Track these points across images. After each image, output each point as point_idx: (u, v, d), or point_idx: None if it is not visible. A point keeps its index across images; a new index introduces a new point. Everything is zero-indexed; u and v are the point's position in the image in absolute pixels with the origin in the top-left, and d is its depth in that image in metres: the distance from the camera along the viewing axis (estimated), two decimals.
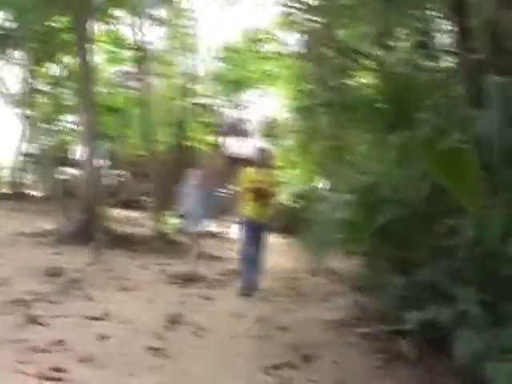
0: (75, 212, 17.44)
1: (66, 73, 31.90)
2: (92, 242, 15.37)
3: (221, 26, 57.99)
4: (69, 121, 36.23)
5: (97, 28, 24.77)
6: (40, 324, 7.14)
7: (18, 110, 29.01)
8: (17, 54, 26.28)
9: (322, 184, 27.80)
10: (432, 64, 10.27)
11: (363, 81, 19.30)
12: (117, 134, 31.36)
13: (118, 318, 7.97)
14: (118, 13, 22.59)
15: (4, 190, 38.22)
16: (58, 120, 32.72)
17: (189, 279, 11.85)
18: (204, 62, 33.14)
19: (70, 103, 32.52)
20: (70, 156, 42.12)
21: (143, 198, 43.21)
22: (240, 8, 53.29)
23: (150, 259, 14.56)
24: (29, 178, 43.90)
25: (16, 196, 33.58)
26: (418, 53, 10.68)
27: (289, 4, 22.79)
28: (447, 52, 12.80)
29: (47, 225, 18.69)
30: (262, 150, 11.85)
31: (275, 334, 8.14)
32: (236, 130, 38.93)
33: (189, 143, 30.27)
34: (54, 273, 10.55)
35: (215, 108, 34.87)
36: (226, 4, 30.38)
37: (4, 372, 5.28)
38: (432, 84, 8.56)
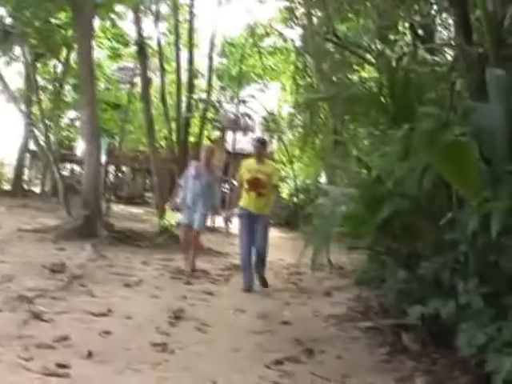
0: (78, 208, 17.47)
1: (67, 69, 31.95)
2: (95, 237, 15.41)
3: (222, 21, 58.03)
4: (70, 117, 36.27)
5: (98, 24, 24.81)
6: (43, 320, 7.14)
7: (20, 107, 29.04)
8: (18, 50, 26.31)
9: (324, 178, 27.81)
10: (433, 57, 10.25)
11: (365, 74, 19.30)
12: (118, 129, 31.28)
13: (122, 314, 7.97)
14: (119, 8, 22.55)
15: (7, 187, 38.28)
16: (60, 116, 32.69)
17: (190, 274, 11.79)
18: (205, 56, 33.08)
19: (71, 99, 32.57)
20: (72, 152, 42.20)
21: (145, 193, 43.37)
22: (241, 2, 53.26)
23: (153, 255, 14.57)
24: (31, 174, 44.01)
25: (18, 192, 33.60)
26: (419, 46, 10.66)
27: None
28: (448, 45, 12.80)
29: (50, 221, 18.75)
30: (259, 140, 11.79)
31: (278, 329, 8.14)
32: (238, 125, 38.91)
33: (190, 139, 30.26)
34: (57, 269, 10.55)
35: (217, 103, 34.83)
36: None
37: (8, 368, 5.28)
38: (433, 77, 8.55)
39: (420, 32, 14.00)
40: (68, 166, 46.77)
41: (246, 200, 11.20)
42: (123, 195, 40.81)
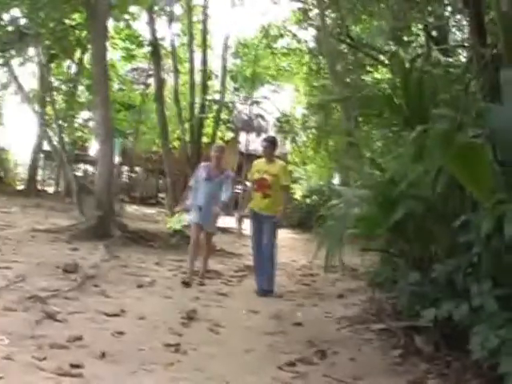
0: (91, 208, 17.51)
1: (80, 70, 32.05)
2: (108, 238, 15.45)
3: (236, 22, 58.04)
4: (84, 117, 36.38)
5: (112, 25, 24.87)
6: (57, 320, 7.17)
7: (34, 108, 29.14)
8: (32, 51, 26.39)
9: (337, 179, 27.80)
10: (447, 58, 10.23)
11: (378, 76, 19.29)
12: (132, 130, 31.40)
13: (134, 314, 8.00)
14: (132, 9, 22.60)
15: (20, 187, 38.42)
16: (73, 117, 32.79)
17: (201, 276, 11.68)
18: (219, 57, 33.12)
19: (85, 100, 32.67)
20: (85, 153, 42.31)
21: (159, 194, 43.44)
22: (255, 4, 53.26)
23: (166, 255, 14.59)
24: (45, 174, 44.16)
25: (32, 192, 33.72)
26: (433, 47, 10.65)
27: (304, 0, 22.80)
28: (462, 46, 12.78)
29: (63, 221, 18.81)
30: (267, 140, 11.75)
31: (291, 330, 8.14)
32: (251, 126, 38.93)
33: (204, 139, 30.29)
34: (70, 269, 10.57)
35: (230, 104, 34.87)
36: (241, 0, 30.53)
37: (22, 368, 5.30)
38: (447, 79, 8.53)
39: (434, 33, 14.01)
40: (81, 166, 46.90)
41: (253, 200, 11.20)
42: (136, 196, 40.90)
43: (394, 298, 8.32)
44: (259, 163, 11.37)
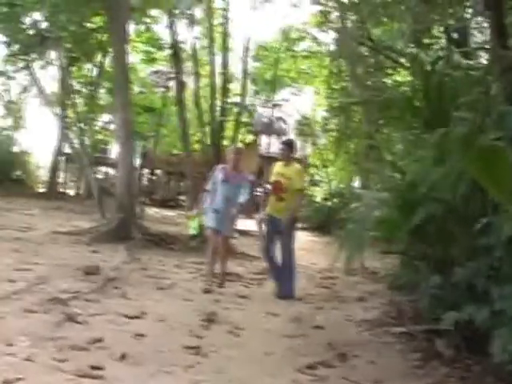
0: (112, 211, 17.57)
1: (101, 73, 32.19)
2: (129, 240, 15.49)
3: (256, 25, 58.07)
4: (105, 120, 36.53)
5: (132, 28, 24.95)
6: (77, 322, 7.19)
7: (55, 110, 29.29)
8: (53, 54, 26.55)
9: (357, 182, 27.75)
10: (468, 61, 10.19)
11: (399, 79, 19.23)
12: (152, 133, 31.46)
13: (155, 317, 8.02)
14: (153, 12, 22.67)
15: (42, 189, 38.62)
16: (94, 120, 32.93)
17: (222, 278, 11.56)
18: (239, 60, 33.15)
19: (106, 103, 32.80)
20: (106, 155, 42.47)
21: (179, 196, 43.52)
22: (275, 7, 53.30)
23: (186, 258, 14.61)
24: (66, 177, 44.36)
25: (53, 195, 33.89)
26: (454, 50, 10.61)
27: (324, 2, 22.77)
28: (483, 49, 12.72)
29: (84, 223, 18.89)
30: (284, 143, 11.71)
31: (311, 333, 8.13)
32: (272, 128, 38.94)
33: (224, 142, 30.31)
34: (91, 271, 10.61)
35: (251, 107, 34.89)
36: (261, 3, 30.55)
37: (42, 369, 5.33)
38: (468, 81, 8.50)
39: (455, 36, 13.95)
40: (102, 169, 47.07)
41: (269, 204, 11.17)
42: (157, 198, 40.99)
43: (415, 301, 8.30)
44: (277, 166, 11.33)
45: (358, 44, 18.94)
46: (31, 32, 20.65)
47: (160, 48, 30.26)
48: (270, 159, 35.43)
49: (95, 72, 33.87)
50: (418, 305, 8.09)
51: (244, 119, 34.02)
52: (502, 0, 8.21)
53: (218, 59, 30.13)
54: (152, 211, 29.76)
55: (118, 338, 6.68)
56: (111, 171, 45.69)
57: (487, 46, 11.57)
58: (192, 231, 11.67)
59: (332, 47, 27.93)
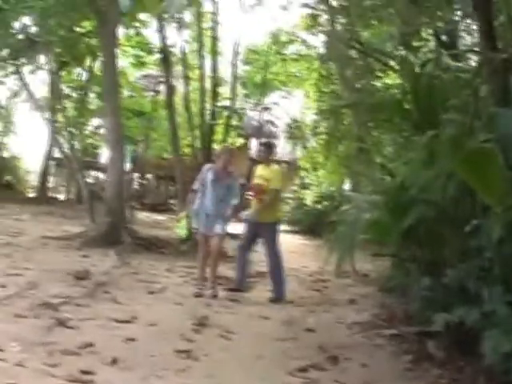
0: (102, 215, 17.53)
1: (91, 77, 32.14)
2: (119, 245, 15.46)
3: (246, 28, 58.14)
4: (95, 125, 36.47)
5: (122, 32, 24.92)
6: (68, 327, 7.19)
7: (45, 115, 29.21)
8: (42, 58, 26.48)
9: (348, 185, 27.79)
10: (457, 63, 10.22)
11: (388, 81, 19.27)
12: (142, 137, 31.46)
13: (146, 321, 8.01)
14: (142, 16, 22.66)
15: (32, 194, 38.52)
16: (84, 124, 32.87)
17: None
18: (229, 64, 33.16)
19: (96, 107, 32.76)
20: (96, 160, 42.39)
21: (170, 201, 43.45)
22: (265, 10, 53.36)
23: (177, 262, 14.59)
24: (56, 181, 44.25)
25: (43, 200, 33.78)
26: (443, 52, 10.64)
27: (313, 5, 22.80)
28: (472, 51, 12.74)
29: (74, 228, 18.83)
30: (262, 144, 11.65)
31: (302, 336, 8.14)
32: (262, 132, 38.94)
33: (215, 146, 30.28)
34: (81, 276, 10.60)
35: (240, 110, 34.89)
36: (250, 6, 30.56)
37: (33, 374, 5.31)
38: (457, 84, 8.53)
39: (444, 38, 13.97)
40: (92, 173, 46.93)
41: (251, 206, 11.12)
42: (147, 202, 40.89)
43: (406, 303, 8.32)
44: (258, 168, 11.29)
45: (348, 47, 18.96)
46: (20, 36, 20.61)
47: (150, 52, 30.23)
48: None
49: (85, 76, 33.79)
50: (409, 307, 8.11)
51: (234, 123, 34.01)
52: (491, 2, 8.23)
53: (208, 63, 30.12)
54: (142, 215, 29.71)
55: (108, 343, 6.67)
56: (101, 175, 45.63)
57: (476, 49, 11.60)
58: (180, 233, 11.30)
59: (321, 50, 27.94)
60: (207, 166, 11.31)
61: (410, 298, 7.96)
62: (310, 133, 35.29)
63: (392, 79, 19.22)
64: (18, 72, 27.21)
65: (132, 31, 27.59)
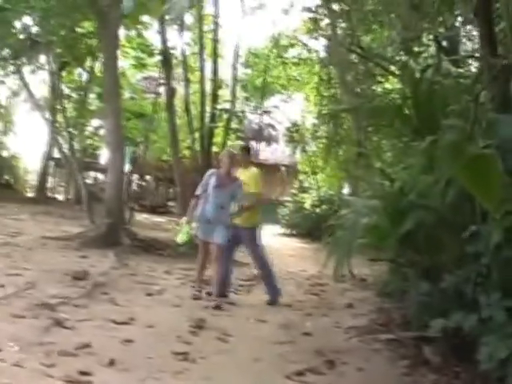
0: (101, 216, 17.53)
1: (91, 78, 32.15)
2: (118, 246, 15.46)
3: (246, 32, 58.16)
4: (94, 125, 36.46)
5: (123, 33, 24.92)
6: (66, 327, 7.19)
7: (45, 115, 29.22)
8: (43, 58, 26.52)
9: (347, 189, 27.79)
10: (458, 69, 10.23)
11: (388, 86, 19.28)
12: (142, 139, 31.42)
13: (143, 322, 8.01)
14: (144, 18, 22.67)
15: (31, 194, 38.51)
16: (84, 125, 32.87)
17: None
18: (229, 67, 33.15)
19: (96, 108, 32.76)
20: (95, 160, 42.39)
21: (169, 203, 43.44)
22: (266, 13, 53.36)
23: (176, 264, 14.58)
24: (55, 182, 44.23)
25: (42, 200, 33.76)
26: (444, 58, 10.64)
27: (314, 9, 22.83)
28: (473, 57, 12.76)
29: (73, 229, 18.83)
30: (242, 148, 11.57)
31: (300, 340, 8.14)
32: (261, 135, 38.96)
33: (214, 148, 30.29)
34: (79, 276, 10.59)
35: (240, 113, 34.89)
36: (252, 9, 30.59)
37: (31, 375, 5.32)
38: (458, 89, 8.53)
39: (444, 44, 13.98)
40: (92, 174, 46.95)
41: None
42: (146, 204, 40.87)
43: (403, 308, 8.33)
44: (237, 172, 11.22)
45: (348, 51, 18.98)
46: (21, 36, 20.65)
47: (150, 54, 30.23)
48: (259, 166, 35.49)
49: (85, 77, 33.80)
50: (406, 312, 8.12)
51: (234, 126, 33.99)
52: (491, 8, 8.24)
53: (209, 65, 30.14)
54: (141, 217, 29.70)
55: (106, 344, 6.67)
56: (101, 176, 45.64)
57: (477, 54, 11.62)
58: (181, 239, 11.04)
59: (322, 54, 28.00)
60: (210, 170, 10.94)
61: (407, 302, 7.97)
62: (309, 137, 35.26)
63: (392, 84, 19.24)
64: (18, 72, 27.34)
65: (133, 33, 27.59)
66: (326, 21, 22.42)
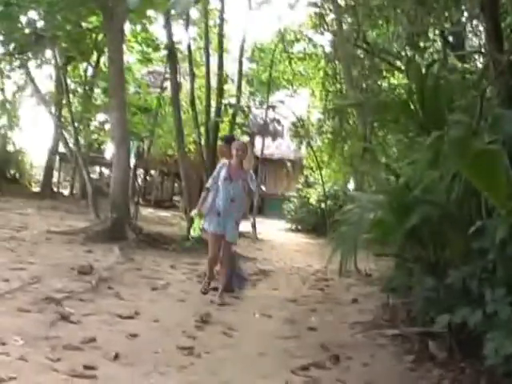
0: (106, 211, 17.55)
1: (97, 72, 32.13)
2: (123, 240, 15.47)
3: (252, 26, 58.12)
4: (100, 120, 36.44)
5: (128, 28, 24.90)
6: (71, 322, 7.20)
7: (50, 110, 29.23)
8: (49, 53, 26.50)
9: (352, 184, 27.74)
10: (463, 64, 10.22)
11: (394, 81, 19.24)
12: (148, 133, 31.39)
13: (149, 317, 8.02)
14: (149, 13, 22.63)
15: (36, 189, 38.53)
16: (89, 119, 32.86)
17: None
18: (235, 61, 33.10)
19: (101, 103, 32.74)
20: (101, 155, 42.40)
21: (174, 197, 43.48)
22: (271, 8, 53.29)
23: (181, 258, 14.60)
24: (60, 176, 44.25)
25: (47, 194, 33.78)
26: (450, 53, 10.63)
27: (320, 4, 22.77)
28: (479, 52, 12.73)
29: (78, 223, 18.87)
30: (226, 141, 11.45)
31: (305, 335, 8.14)
32: (267, 130, 38.89)
33: (219, 143, 30.25)
34: (85, 271, 10.61)
35: (246, 108, 34.83)
36: (257, 4, 30.52)
37: (36, 369, 5.32)
38: (463, 85, 8.52)
39: (450, 39, 13.96)
40: (97, 168, 47.03)
41: None
42: (152, 199, 40.94)
43: (409, 303, 8.31)
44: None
45: (354, 46, 18.93)
46: (27, 31, 20.62)
47: (156, 48, 30.17)
48: (264, 160, 35.45)
49: (91, 72, 33.76)
50: (411, 307, 8.10)
51: (239, 120, 33.93)
52: (498, 3, 8.22)
53: (214, 60, 30.08)
54: (146, 211, 29.75)
55: (111, 338, 6.68)
56: (106, 171, 45.66)
57: (482, 50, 11.60)
58: (195, 233, 10.85)
59: (328, 49, 27.91)
60: (221, 162, 10.70)
61: (412, 298, 7.95)
62: (315, 132, 35.17)
63: (398, 79, 19.22)
64: (23, 66, 27.30)
65: (138, 27, 27.54)
66: (332, 16, 22.36)
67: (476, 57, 13.60)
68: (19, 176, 40.62)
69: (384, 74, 19.71)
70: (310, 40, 30.98)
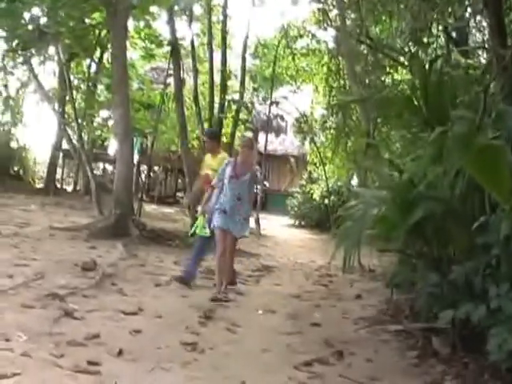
0: (110, 207, 17.55)
1: (100, 68, 32.12)
2: (126, 236, 15.47)
3: (255, 22, 58.02)
4: (103, 116, 36.42)
5: (131, 24, 24.89)
6: (75, 318, 7.21)
7: (54, 106, 29.21)
8: (52, 49, 26.49)
9: (355, 180, 27.71)
10: (467, 60, 10.20)
11: (398, 77, 19.22)
12: (151, 129, 31.39)
13: (152, 313, 8.03)
14: (153, 9, 22.62)
15: (40, 185, 38.53)
16: (93, 116, 32.85)
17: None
18: (238, 57, 33.07)
19: (105, 99, 32.72)
20: (104, 151, 42.38)
21: (177, 193, 43.47)
22: (275, 4, 53.20)
23: (184, 254, 14.57)
24: (64, 173, 44.23)
25: (51, 191, 33.77)
26: (453, 49, 10.62)
27: (323, 0, 22.75)
28: (482, 48, 12.72)
29: (82, 219, 18.87)
30: (208, 135, 11.52)
31: (308, 330, 8.14)
32: (270, 126, 38.87)
33: (223, 139, 30.24)
34: (88, 267, 10.61)
35: (249, 104, 34.80)
36: (261, 0, 30.51)
37: (40, 365, 5.33)
38: (467, 80, 8.50)
39: (454, 34, 13.94)
40: (100, 165, 47.00)
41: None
42: (155, 195, 40.92)
43: (412, 299, 8.32)
44: (206, 158, 11.17)
45: (357, 42, 18.92)
46: (30, 27, 20.60)
47: (159, 44, 30.18)
48: (268, 156, 35.45)
49: (94, 68, 33.75)
50: (415, 303, 8.10)
51: (242, 116, 33.92)
52: None
53: (217, 56, 30.06)
54: (150, 208, 29.76)
55: (115, 334, 6.70)
56: (109, 167, 45.66)
57: (486, 45, 11.59)
58: (201, 232, 10.78)
59: (331, 45, 27.89)
60: (227, 159, 10.51)
61: (416, 293, 7.96)
62: (318, 127, 35.14)
63: (401, 75, 19.19)
64: (27, 63, 27.26)
65: (142, 23, 27.53)
66: (335, 11, 22.34)
67: (479, 52, 13.59)
68: (23, 172, 40.58)
69: (387, 69, 19.69)
70: (314, 36, 30.89)
